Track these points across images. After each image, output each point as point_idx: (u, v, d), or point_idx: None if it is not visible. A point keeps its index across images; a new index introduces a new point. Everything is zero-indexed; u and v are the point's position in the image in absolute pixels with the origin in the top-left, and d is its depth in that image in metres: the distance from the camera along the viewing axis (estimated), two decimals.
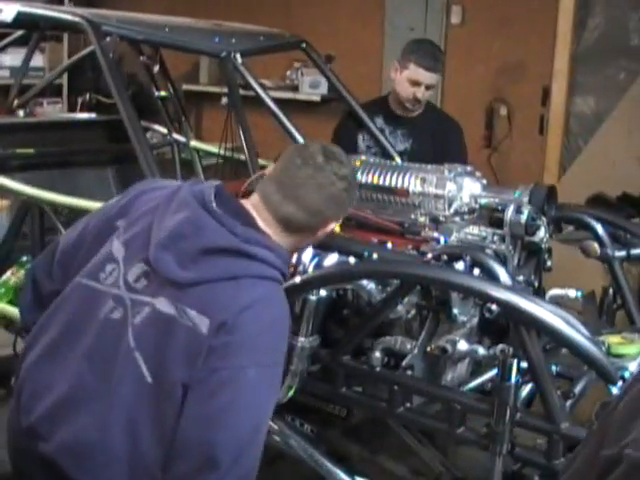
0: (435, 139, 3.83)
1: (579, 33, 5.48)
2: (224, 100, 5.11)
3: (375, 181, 2.80)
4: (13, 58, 6.40)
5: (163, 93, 4.57)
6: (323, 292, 2.48)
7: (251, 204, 2.11)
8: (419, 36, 5.27)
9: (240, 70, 3.44)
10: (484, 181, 2.76)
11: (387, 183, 2.76)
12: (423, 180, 2.72)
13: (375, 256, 2.46)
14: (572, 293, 2.79)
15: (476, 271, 2.37)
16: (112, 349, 1.99)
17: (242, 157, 3.38)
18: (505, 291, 2.21)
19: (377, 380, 2.53)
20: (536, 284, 2.70)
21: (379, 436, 2.86)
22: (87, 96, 6.90)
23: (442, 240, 2.57)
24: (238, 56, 3.43)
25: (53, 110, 6.91)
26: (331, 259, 2.49)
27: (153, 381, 1.94)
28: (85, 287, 2.09)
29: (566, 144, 5.64)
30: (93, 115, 5.26)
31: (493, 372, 2.37)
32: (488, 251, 2.53)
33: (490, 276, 2.32)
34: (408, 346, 2.46)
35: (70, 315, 2.08)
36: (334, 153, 2.15)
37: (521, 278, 2.53)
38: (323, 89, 6.30)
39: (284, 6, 6.60)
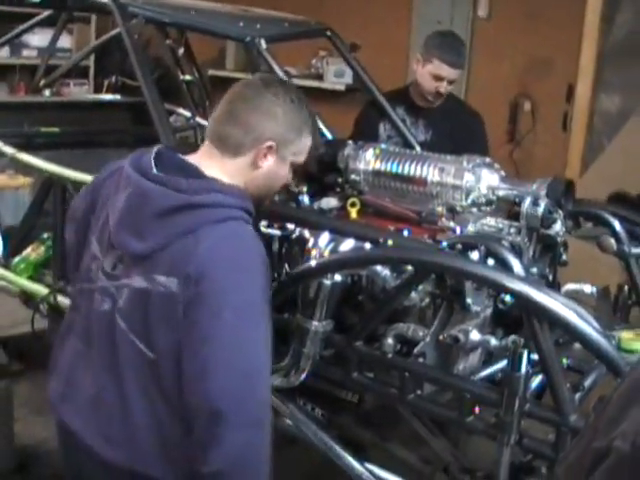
0: (456, 131, 3.83)
1: (606, 30, 5.45)
2: None
3: (393, 169, 2.81)
4: (41, 39, 6.47)
5: (188, 77, 4.60)
6: (338, 277, 2.48)
7: (197, 153, 2.11)
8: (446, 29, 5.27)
9: (264, 55, 3.46)
10: (502, 173, 2.76)
11: (405, 172, 2.76)
12: (441, 170, 2.72)
13: (390, 242, 2.47)
14: (587, 288, 2.80)
15: (490, 261, 2.37)
16: (111, 339, 2.03)
17: None
18: (518, 282, 2.21)
19: (389, 367, 2.54)
20: (550, 277, 2.70)
21: (390, 423, 2.88)
22: (113, 78, 6.93)
23: (458, 230, 2.57)
24: (262, 42, 3.45)
25: (79, 91, 6.98)
26: (347, 244, 2.50)
27: (154, 355, 1.97)
28: (83, 291, 2.16)
29: (589, 141, 5.63)
30: (118, 96, 5.30)
31: (504, 362, 2.38)
32: (504, 242, 2.53)
33: (504, 267, 2.32)
34: (421, 334, 2.47)
35: (82, 321, 2.15)
36: (277, 80, 2.24)
37: (535, 270, 2.53)
38: (348, 78, 6.32)
39: None
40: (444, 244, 2.44)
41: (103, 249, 2.09)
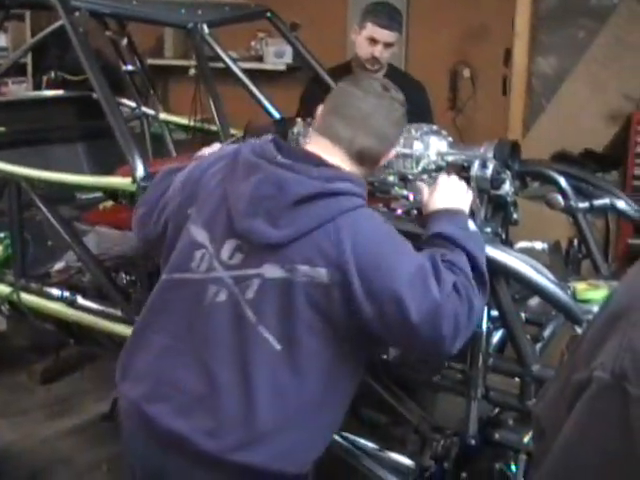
0: None
1: None
2: (192, 72, 5.16)
3: None
4: None
5: (130, 67, 4.60)
6: None
7: (313, 147, 2.11)
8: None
9: (208, 41, 3.49)
10: (450, 139, 2.83)
11: None
12: None
13: None
14: (539, 245, 2.89)
15: None
16: (230, 332, 1.99)
17: (212, 128, 3.43)
18: None
19: None
20: (503, 236, 2.78)
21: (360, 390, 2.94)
22: (52, 74, 6.89)
23: (411, 197, 2.64)
24: (205, 27, 3.48)
25: (18, 89, 6.91)
26: None
27: (282, 346, 1.96)
28: (180, 282, 2.09)
29: (529, 104, 5.72)
30: (61, 92, 5.28)
31: None
32: None
33: None
34: None
35: (176, 315, 2.08)
36: (387, 82, 2.23)
37: (489, 230, 2.61)
38: (288, 58, 6.35)
39: None
40: (399, 211, 2.51)
41: (216, 238, 2.04)
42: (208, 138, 3.70)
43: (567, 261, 3.01)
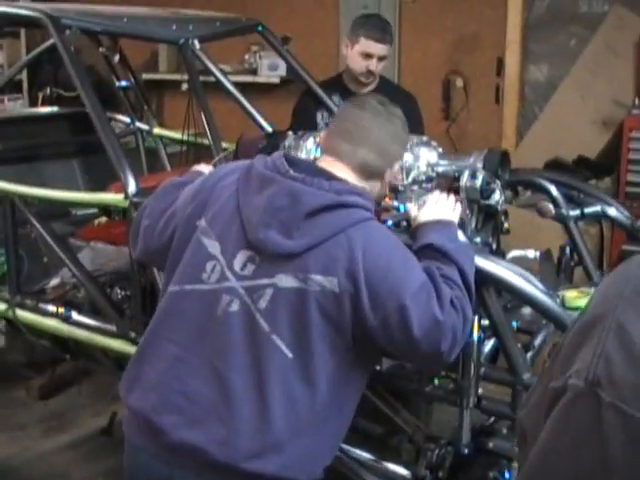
0: None
1: (530, 2, 5.59)
2: (184, 86, 5.18)
3: None
4: None
5: (124, 83, 4.62)
6: None
7: (321, 164, 2.18)
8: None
9: (199, 56, 3.51)
10: (440, 150, 2.84)
11: None
12: None
13: None
14: (531, 253, 2.90)
15: None
16: (243, 341, 2.02)
17: (205, 142, 3.45)
18: None
19: None
20: (494, 246, 2.80)
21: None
22: (47, 90, 6.92)
23: (402, 208, 2.66)
24: (196, 42, 3.50)
25: (14, 106, 6.93)
26: None
27: (294, 355, 2.00)
28: (191, 293, 2.11)
29: (522, 112, 5.75)
30: (55, 108, 5.31)
31: None
32: None
33: None
34: None
35: (187, 325, 2.10)
36: (383, 98, 2.30)
37: (478, 240, 2.62)
38: (282, 71, 6.36)
39: None
40: (389, 222, 2.52)
41: (228, 249, 2.08)
42: (202, 152, 3.74)
43: (559, 269, 3.02)
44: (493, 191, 2.69)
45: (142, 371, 2.15)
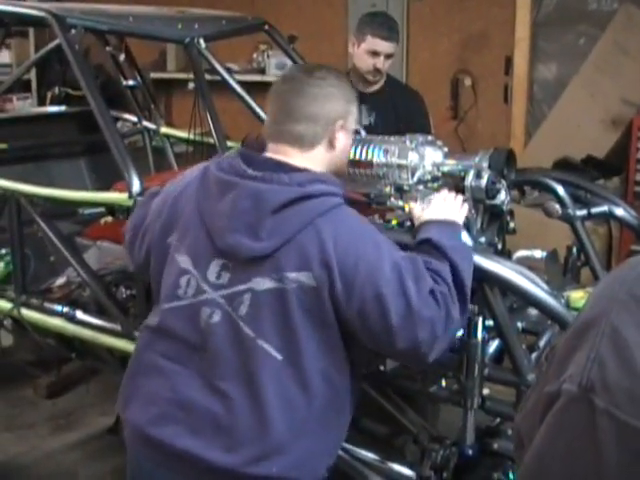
0: (398, 111, 3.90)
1: (538, 1, 5.57)
2: (191, 85, 5.18)
3: None
4: None
5: (131, 82, 4.63)
6: None
7: (271, 152, 2.13)
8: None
9: (204, 55, 3.51)
10: (445, 149, 2.83)
11: (351, 156, 2.82)
12: (386, 151, 2.79)
13: None
14: (538, 254, 2.88)
15: None
16: (231, 349, 2.00)
17: (212, 141, 3.44)
18: None
19: None
20: (500, 245, 2.78)
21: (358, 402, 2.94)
22: (56, 89, 6.93)
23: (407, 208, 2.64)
24: (202, 41, 3.49)
25: (23, 105, 6.95)
26: None
27: (284, 357, 1.98)
28: (171, 311, 2.10)
29: (531, 111, 5.74)
30: (63, 108, 5.31)
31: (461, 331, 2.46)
32: None
33: None
34: None
35: (177, 341, 2.08)
36: (311, 65, 2.28)
37: (483, 240, 2.61)
38: None
39: None
40: (394, 222, 2.51)
41: (200, 261, 2.06)
42: (209, 151, 3.73)
43: (566, 269, 3.01)
44: (499, 191, 2.67)
45: (137, 385, 2.15)
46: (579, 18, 5.45)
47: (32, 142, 4.66)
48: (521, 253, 2.88)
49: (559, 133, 5.28)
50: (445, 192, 2.43)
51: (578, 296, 2.48)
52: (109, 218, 3.56)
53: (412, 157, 2.75)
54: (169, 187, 2.28)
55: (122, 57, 4.33)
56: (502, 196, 2.70)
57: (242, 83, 3.70)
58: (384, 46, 3.77)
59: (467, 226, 2.56)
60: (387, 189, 2.79)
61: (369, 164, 2.81)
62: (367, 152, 2.81)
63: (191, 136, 3.98)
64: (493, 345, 2.49)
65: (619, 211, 3.09)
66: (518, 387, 2.32)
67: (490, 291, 2.29)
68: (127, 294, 3.23)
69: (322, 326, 2.00)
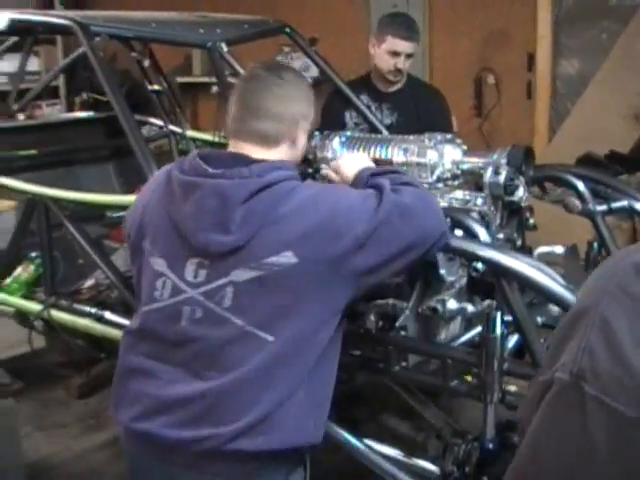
0: (420, 110, 3.94)
1: None
2: (214, 89, 5.23)
3: None
4: (10, 64, 6.51)
5: (156, 87, 4.69)
6: None
7: (232, 148, 2.20)
8: (403, 11, 5.37)
9: (227, 58, 3.56)
10: (464, 147, 2.86)
11: (371, 155, 2.85)
12: (405, 150, 2.82)
13: None
14: (559, 250, 2.91)
15: (458, 232, 2.48)
16: (217, 342, 2.04)
17: None
18: (484, 248, 2.34)
19: (373, 342, 2.63)
20: (519, 241, 2.80)
21: (381, 398, 2.97)
22: (84, 95, 7.02)
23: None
24: (224, 45, 3.55)
25: (52, 111, 7.05)
26: None
27: (275, 338, 2.02)
28: (151, 313, 2.15)
29: (554, 107, 5.74)
30: (91, 113, 5.39)
31: (480, 327, 2.49)
32: (473, 214, 2.63)
33: (470, 235, 2.43)
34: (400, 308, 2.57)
35: (159, 341, 2.13)
36: (275, 64, 2.32)
37: (502, 236, 2.63)
38: (314, 72, 6.36)
39: None
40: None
41: (175, 262, 2.11)
42: None
43: (587, 264, 3.02)
44: (517, 187, 2.69)
45: (125, 388, 2.19)
46: (601, 14, 5.43)
47: (61, 147, 4.73)
48: (542, 249, 2.90)
49: (582, 128, 5.27)
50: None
51: None
52: None
53: (431, 155, 2.78)
54: (139, 196, 2.34)
55: (147, 62, 4.38)
56: (520, 192, 2.72)
57: None
58: (404, 46, 3.81)
59: (486, 222, 2.60)
60: None
61: (389, 163, 2.85)
62: (386, 151, 2.86)
63: (215, 139, 4.03)
64: (512, 340, 2.52)
65: (639, 206, 3.10)
66: None
67: (508, 286, 2.32)
68: None
69: (307, 303, 2.04)
